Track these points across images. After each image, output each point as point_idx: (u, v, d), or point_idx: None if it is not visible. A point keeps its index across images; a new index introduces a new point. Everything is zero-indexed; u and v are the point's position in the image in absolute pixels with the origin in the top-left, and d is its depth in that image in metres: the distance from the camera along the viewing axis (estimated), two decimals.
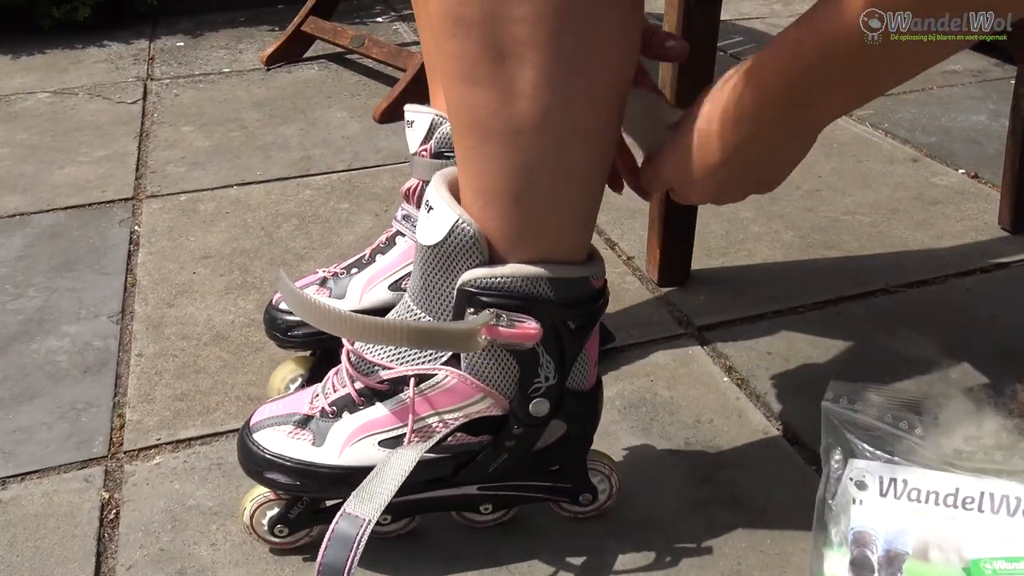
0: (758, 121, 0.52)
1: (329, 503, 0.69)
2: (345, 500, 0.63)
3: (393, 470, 0.61)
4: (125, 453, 0.82)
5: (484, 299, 0.59)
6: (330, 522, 0.69)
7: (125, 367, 0.94)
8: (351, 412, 0.65)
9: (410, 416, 0.63)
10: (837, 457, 0.56)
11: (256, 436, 0.67)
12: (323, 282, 0.84)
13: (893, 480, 0.54)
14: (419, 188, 0.82)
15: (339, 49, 1.85)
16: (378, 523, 0.69)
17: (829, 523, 0.55)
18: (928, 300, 1.03)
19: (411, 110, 0.82)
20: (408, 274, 0.82)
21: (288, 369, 0.85)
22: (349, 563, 0.56)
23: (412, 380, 0.63)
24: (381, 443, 0.64)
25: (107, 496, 0.77)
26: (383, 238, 0.85)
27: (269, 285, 1.08)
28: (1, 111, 1.63)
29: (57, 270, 1.12)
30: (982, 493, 0.52)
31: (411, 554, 0.71)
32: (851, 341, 0.96)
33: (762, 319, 1.00)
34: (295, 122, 1.57)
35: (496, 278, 0.58)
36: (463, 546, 0.72)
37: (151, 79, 1.79)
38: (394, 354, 0.63)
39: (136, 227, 1.22)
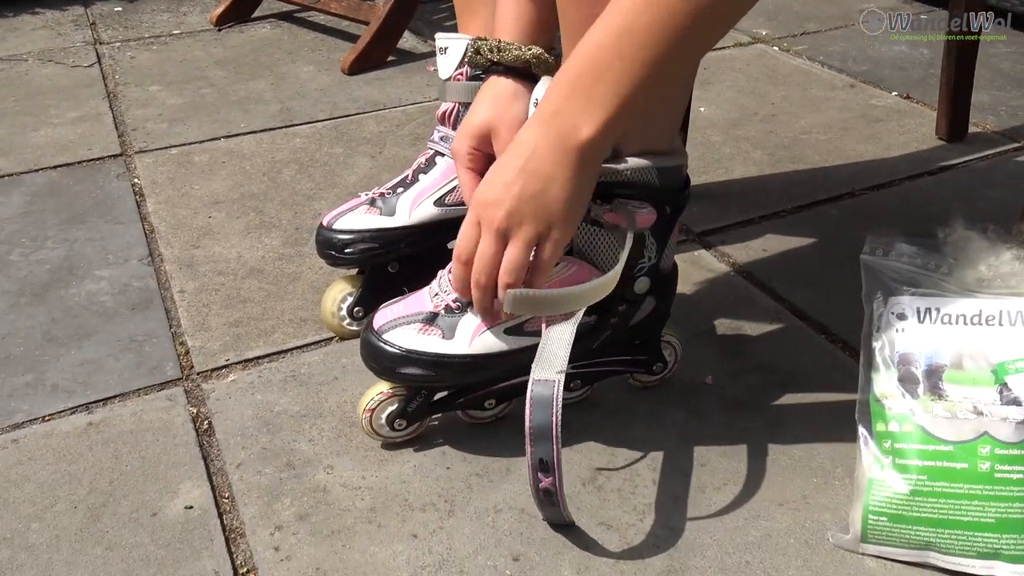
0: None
1: (439, 396, 0.76)
2: (469, 388, 0.72)
3: (557, 341, 0.65)
4: (198, 374, 0.87)
5: (615, 191, 0.67)
6: (444, 411, 0.77)
7: (171, 303, 0.98)
8: None
9: None
10: (878, 298, 0.67)
11: (387, 336, 0.72)
12: (372, 202, 0.89)
13: (928, 309, 0.66)
14: (455, 111, 0.89)
15: (288, 7, 1.87)
16: (479, 409, 0.77)
17: (875, 352, 0.66)
18: (890, 200, 1.17)
19: (443, 37, 0.88)
20: (451, 189, 0.89)
21: (338, 288, 0.91)
22: (555, 420, 0.61)
23: None
24: (507, 331, 0.71)
25: (195, 410, 0.82)
26: (421, 160, 0.91)
27: (288, 223, 1.12)
28: None
29: (69, 222, 1.13)
30: (1001, 311, 0.64)
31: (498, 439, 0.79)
32: (831, 236, 1.09)
33: (751, 223, 1.12)
34: (263, 77, 1.59)
35: (621, 172, 0.66)
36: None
37: (100, 43, 1.76)
38: None
39: (135, 180, 1.24)
